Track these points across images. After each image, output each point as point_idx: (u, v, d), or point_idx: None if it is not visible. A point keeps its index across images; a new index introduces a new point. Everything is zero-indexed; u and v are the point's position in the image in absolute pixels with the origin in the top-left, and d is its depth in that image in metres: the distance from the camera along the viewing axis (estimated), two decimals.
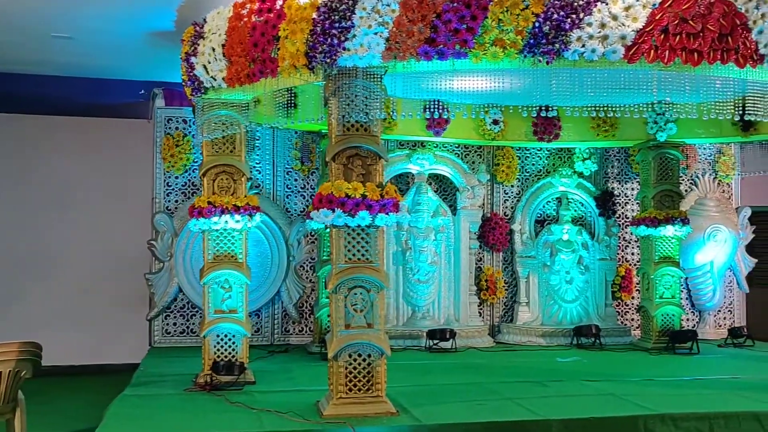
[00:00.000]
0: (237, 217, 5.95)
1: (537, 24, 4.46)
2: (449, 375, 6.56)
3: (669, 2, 4.49)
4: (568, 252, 8.81)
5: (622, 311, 9.20)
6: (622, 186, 9.28)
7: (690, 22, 4.54)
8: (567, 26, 4.46)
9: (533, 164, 9.13)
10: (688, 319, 9.35)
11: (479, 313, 8.69)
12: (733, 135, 7.96)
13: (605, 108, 6.26)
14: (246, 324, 6.05)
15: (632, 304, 9.18)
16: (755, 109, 5.29)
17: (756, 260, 9.67)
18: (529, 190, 8.98)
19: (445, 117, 8.00)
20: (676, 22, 4.53)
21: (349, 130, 4.98)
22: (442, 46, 4.53)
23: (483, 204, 8.78)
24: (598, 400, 5.44)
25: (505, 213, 8.97)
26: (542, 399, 5.45)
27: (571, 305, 8.80)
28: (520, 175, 9.04)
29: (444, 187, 8.78)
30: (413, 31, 4.54)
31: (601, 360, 7.56)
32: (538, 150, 9.07)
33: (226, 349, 6.01)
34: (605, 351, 8.13)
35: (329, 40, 4.62)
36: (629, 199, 9.27)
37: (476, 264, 8.78)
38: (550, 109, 5.99)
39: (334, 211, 4.79)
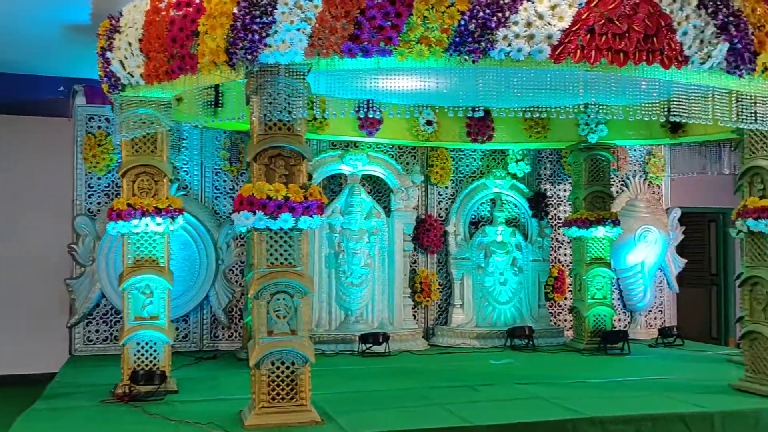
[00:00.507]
0: (158, 219, 5.71)
1: (462, 22, 4.38)
2: (380, 380, 6.43)
3: (595, 2, 4.46)
4: (502, 253, 8.79)
5: (555, 312, 9.23)
6: (555, 187, 9.32)
7: (616, 22, 4.52)
8: (493, 25, 4.38)
9: (467, 166, 9.08)
10: (619, 320, 9.44)
11: (413, 315, 8.60)
12: (662, 137, 8.05)
13: (537, 109, 6.27)
14: (168, 331, 5.80)
15: (565, 305, 9.21)
16: (681, 111, 5.32)
17: (686, 260, 9.84)
18: (463, 191, 8.93)
19: (378, 117, 7.90)
20: (602, 22, 4.50)
21: (271, 129, 4.80)
22: (366, 43, 4.41)
23: (417, 206, 8.69)
24: (528, 404, 5.38)
25: (439, 215, 8.90)
26: (472, 404, 5.37)
27: (505, 307, 8.78)
28: (454, 176, 8.99)
29: (378, 189, 8.66)
30: (336, 28, 4.40)
31: (533, 362, 7.54)
32: (472, 151, 9.03)
33: (147, 358, 5.75)
34: (538, 352, 8.12)
35: (250, 36, 4.44)
36: (562, 201, 9.31)
37: (411, 266, 8.69)
38: (478, 109, 5.94)
39: (255, 213, 4.61)
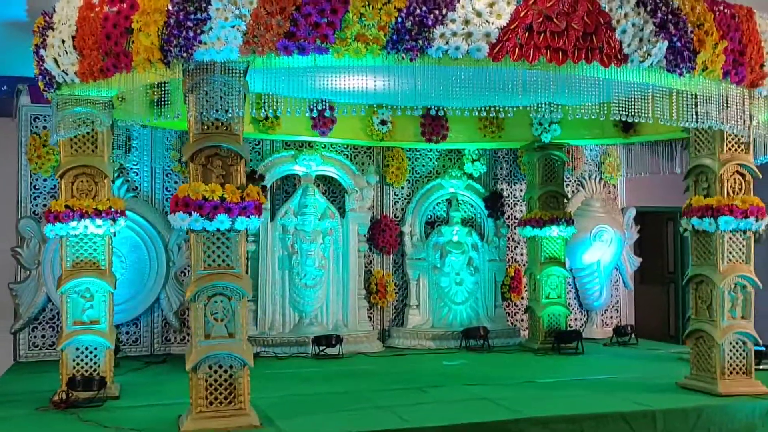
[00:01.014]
0: (98, 221, 5.57)
1: (399, 19, 4.33)
2: (330, 383, 6.35)
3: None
4: (458, 253, 8.76)
5: (512, 312, 9.22)
6: (511, 187, 9.31)
7: (554, 20, 4.50)
8: (430, 22, 4.34)
9: (423, 165, 9.04)
10: (576, 319, 9.47)
11: (369, 317, 8.54)
12: (615, 136, 8.08)
13: (490, 109, 6.23)
14: (109, 335, 5.67)
15: (522, 304, 9.21)
16: (623, 110, 5.31)
17: (641, 259, 9.90)
18: (419, 191, 8.88)
19: (331, 116, 7.84)
20: (540, 19, 4.48)
21: (208, 129, 4.71)
22: (302, 40, 4.34)
23: (372, 206, 8.63)
24: (474, 406, 5.34)
25: (395, 215, 8.85)
26: (417, 406, 5.31)
27: (461, 307, 8.75)
28: (410, 176, 8.94)
29: (333, 189, 8.58)
30: (271, 25, 4.33)
31: (486, 362, 7.51)
32: (428, 151, 8.99)
33: (87, 363, 5.61)
34: (493, 353, 8.10)
35: (184, 33, 4.36)
36: (518, 200, 9.31)
37: (366, 267, 8.63)
38: (432, 108, 5.91)
39: (190, 214, 4.52)
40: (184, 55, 4.40)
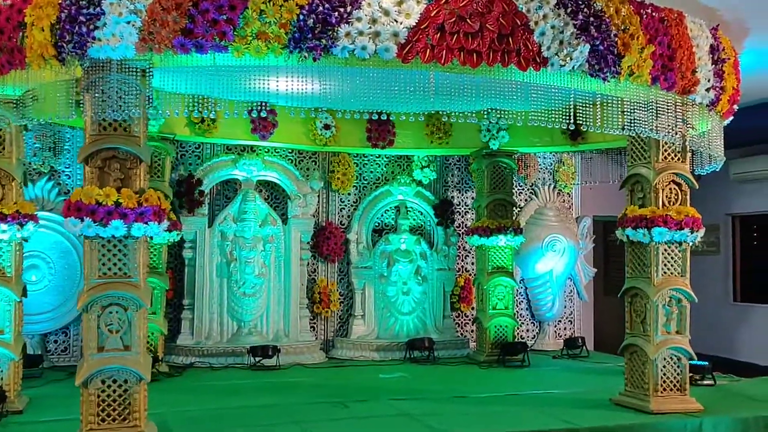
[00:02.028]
0: (3, 226, 5.30)
1: (302, 17, 4.10)
2: (255, 396, 6.10)
3: None
4: (405, 262, 8.54)
5: (462, 323, 9.01)
6: (462, 195, 9.11)
7: (468, 20, 4.30)
8: (334, 20, 4.12)
9: (371, 172, 8.82)
10: (528, 330, 9.27)
11: (312, 327, 8.30)
12: (564, 144, 7.88)
13: (436, 114, 6.01)
14: (14, 346, 5.39)
15: (472, 315, 8.99)
16: (579, 117, 5.13)
17: (596, 269, 9.72)
18: (366, 198, 8.66)
19: (272, 120, 7.62)
20: (452, 20, 4.27)
21: (105, 130, 4.46)
22: (200, 38, 4.11)
23: (317, 212, 8.40)
24: (390, 422, 5.12)
25: (341, 222, 8.62)
26: (332, 422, 5.09)
27: (407, 317, 8.53)
28: (357, 182, 8.71)
29: (276, 195, 8.35)
30: (167, 21, 4.09)
31: (427, 375, 7.29)
32: (377, 157, 8.77)
33: None
34: (437, 365, 7.87)
35: (77, 28, 4.12)
36: (469, 208, 9.09)
37: (310, 275, 8.40)
38: (374, 113, 5.73)
39: (83, 220, 4.26)
40: (79, 51, 4.16)
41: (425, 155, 8.70)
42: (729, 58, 5.44)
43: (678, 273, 5.57)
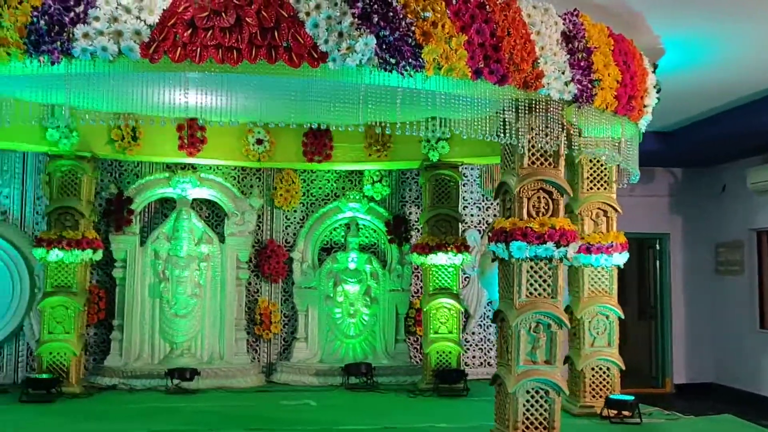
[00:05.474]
0: None
1: (35, 20, 3.86)
2: (133, 422, 5.88)
3: None
4: (353, 282, 8.10)
5: (418, 347, 8.41)
6: (420, 210, 8.55)
7: (223, 14, 3.91)
8: (67, 21, 3.85)
9: (320, 188, 8.45)
10: (495, 357, 8.54)
11: (254, 349, 8.00)
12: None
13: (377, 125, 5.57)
14: None
15: None
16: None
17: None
18: (313, 215, 8.29)
19: (199, 136, 7.45)
20: (204, 14, 3.90)
21: None
22: None
23: (258, 230, 8.12)
24: None
25: (286, 240, 8.29)
26: None
27: (354, 341, 8.06)
28: (304, 199, 8.37)
29: (217, 213, 8.14)
30: None
31: (346, 403, 6.83)
32: (326, 172, 8.40)
33: None
34: (373, 392, 7.37)
35: None
36: None
37: (252, 296, 8.12)
38: (305, 125, 5.46)
39: None
40: None
41: (377, 170, 8.25)
42: (599, 47, 4.74)
43: (548, 293, 4.86)
